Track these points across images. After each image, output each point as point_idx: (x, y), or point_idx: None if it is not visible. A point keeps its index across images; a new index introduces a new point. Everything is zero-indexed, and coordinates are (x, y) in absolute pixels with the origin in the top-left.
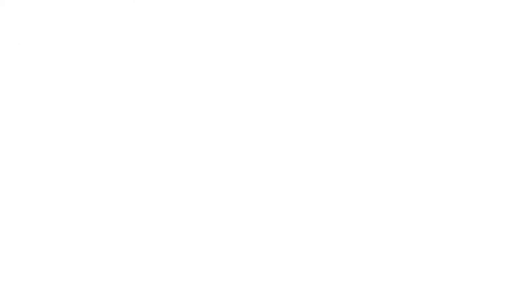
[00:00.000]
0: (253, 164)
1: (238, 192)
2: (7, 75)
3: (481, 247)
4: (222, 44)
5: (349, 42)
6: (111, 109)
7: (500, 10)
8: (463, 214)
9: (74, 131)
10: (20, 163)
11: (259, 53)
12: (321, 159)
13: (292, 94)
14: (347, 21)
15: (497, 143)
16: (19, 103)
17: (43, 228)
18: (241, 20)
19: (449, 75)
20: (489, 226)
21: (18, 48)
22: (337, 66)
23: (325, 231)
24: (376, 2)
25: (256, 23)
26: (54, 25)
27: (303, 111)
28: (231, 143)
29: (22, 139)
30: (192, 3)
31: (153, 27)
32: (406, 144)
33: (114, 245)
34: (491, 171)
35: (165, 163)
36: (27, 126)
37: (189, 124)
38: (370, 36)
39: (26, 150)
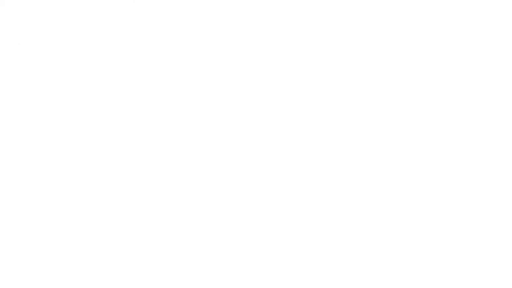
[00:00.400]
0: (253, 164)
1: (238, 192)
2: (7, 75)
3: (481, 247)
4: (222, 44)
5: (349, 42)
6: (111, 109)
7: (500, 10)
8: (463, 214)
9: (74, 131)
10: (20, 163)
11: (259, 53)
12: (321, 159)
13: (292, 94)
14: (347, 21)
15: (497, 143)
16: (19, 103)
17: (43, 228)
18: (241, 20)
19: (449, 75)
20: (489, 226)
21: (18, 48)
22: (337, 66)
23: (325, 231)
24: (376, 2)
25: (256, 23)
26: (54, 25)
27: (303, 111)
28: (231, 143)
29: (22, 139)
30: (192, 3)
31: (153, 27)
32: (406, 144)
33: (114, 245)
34: (491, 171)
35: (165, 162)
36: (27, 126)
37: (189, 124)
38: (370, 36)
39: (26, 150)
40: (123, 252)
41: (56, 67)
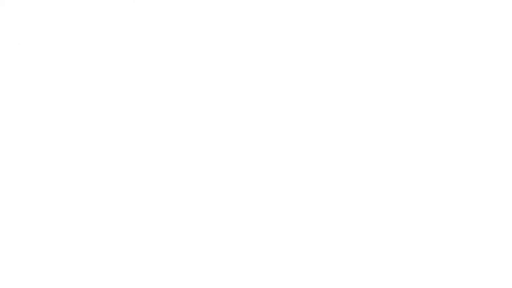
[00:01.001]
0: (253, 164)
1: (238, 192)
2: (7, 75)
3: (481, 247)
4: (222, 44)
5: (349, 42)
6: (111, 109)
7: (500, 10)
8: (463, 214)
9: (74, 131)
10: (20, 163)
11: (259, 53)
12: (321, 159)
13: (292, 94)
14: (347, 21)
15: (497, 143)
16: (19, 103)
17: (43, 228)
18: (241, 20)
19: (449, 75)
20: (489, 226)
21: (18, 48)
22: (337, 66)
23: (325, 231)
24: (376, 2)
25: (256, 23)
26: (54, 25)
27: (303, 111)
28: (231, 143)
29: (22, 139)
30: (192, 3)
31: (153, 27)
32: (406, 144)
33: (114, 245)
34: (491, 171)
35: (165, 163)
36: (27, 126)
37: (189, 124)
38: (370, 36)
39: (26, 150)
40: (123, 252)
41: (56, 67)
